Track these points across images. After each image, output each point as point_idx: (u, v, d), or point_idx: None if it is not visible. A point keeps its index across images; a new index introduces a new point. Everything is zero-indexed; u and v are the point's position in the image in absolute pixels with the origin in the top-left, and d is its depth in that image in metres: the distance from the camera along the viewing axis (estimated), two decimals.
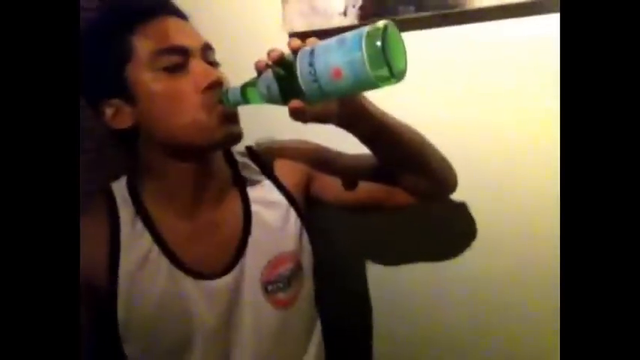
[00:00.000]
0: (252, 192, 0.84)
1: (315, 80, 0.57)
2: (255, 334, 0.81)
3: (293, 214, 0.85)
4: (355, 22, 0.94)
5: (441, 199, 0.90)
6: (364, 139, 0.75)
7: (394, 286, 1.09)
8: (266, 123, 0.94)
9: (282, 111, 0.62)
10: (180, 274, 0.77)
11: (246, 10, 1.05)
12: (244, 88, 0.66)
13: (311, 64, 0.57)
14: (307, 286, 0.87)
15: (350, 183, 0.85)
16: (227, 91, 0.69)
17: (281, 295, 0.82)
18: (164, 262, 0.76)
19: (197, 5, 0.81)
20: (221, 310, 0.79)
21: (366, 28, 0.55)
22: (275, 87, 0.61)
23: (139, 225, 0.77)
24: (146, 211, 0.78)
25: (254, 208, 0.83)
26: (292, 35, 0.96)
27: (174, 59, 0.71)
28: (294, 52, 0.60)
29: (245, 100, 0.67)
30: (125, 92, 0.72)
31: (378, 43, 0.53)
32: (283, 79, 0.60)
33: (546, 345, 0.94)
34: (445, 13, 0.89)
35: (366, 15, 0.93)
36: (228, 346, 0.80)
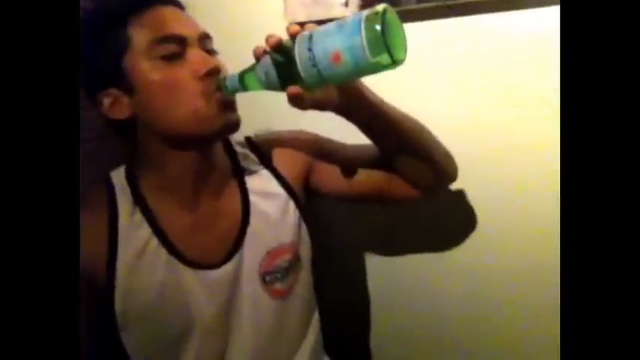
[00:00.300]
0: (251, 183, 0.83)
1: (314, 65, 0.56)
2: (252, 323, 0.81)
3: (292, 205, 0.84)
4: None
5: (441, 189, 0.89)
6: (363, 127, 0.74)
7: (393, 278, 1.08)
8: (265, 114, 0.93)
9: (281, 101, 0.62)
10: (178, 265, 0.76)
11: (248, 0, 1.04)
12: (242, 74, 0.65)
13: (310, 49, 0.56)
14: (305, 277, 0.86)
15: (349, 171, 0.84)
16: (225, 78, 0.68)
17: (278, 286, 0.82)
18: (163, 253, 0.76)
19: None
20: (219, 300, 0.78)
21: (364, 12, 0.54)
22: (273, 73, 0.60)
23: (138, 215, 0.76)
24: (145, 202, 0.77)
25: (253, 199, 0.82)
26: None
27: (172, 48, 0.70)
28: (293, 37, 0.59)
29: (243, 86, 0.66)
30: (123, 82, 0.71)
31: (378, 27, 0.52)
32: (281, 65, 0.59)
33: (546, 338, 0.94)
34: (447, 5, 0.88)
35: (368, 5, 0.91)
36: (226, 335, 0.80)
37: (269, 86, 0.63)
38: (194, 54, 0.71)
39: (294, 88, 0.60)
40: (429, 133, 0.79)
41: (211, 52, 0.75)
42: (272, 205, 0.83)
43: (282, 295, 0.83)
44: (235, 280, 0.79)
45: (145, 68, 0.70)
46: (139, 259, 0.75)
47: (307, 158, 0.86)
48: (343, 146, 0.88)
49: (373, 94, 0.70)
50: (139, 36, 0.70)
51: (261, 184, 0.83)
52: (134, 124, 0.74)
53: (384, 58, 0.53)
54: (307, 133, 0.89)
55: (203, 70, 0.69)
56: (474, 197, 0.98)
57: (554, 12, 0.83)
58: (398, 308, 1.09)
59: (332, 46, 0.54)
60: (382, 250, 1.10)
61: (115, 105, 0.72)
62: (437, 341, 1.07)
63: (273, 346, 0.83)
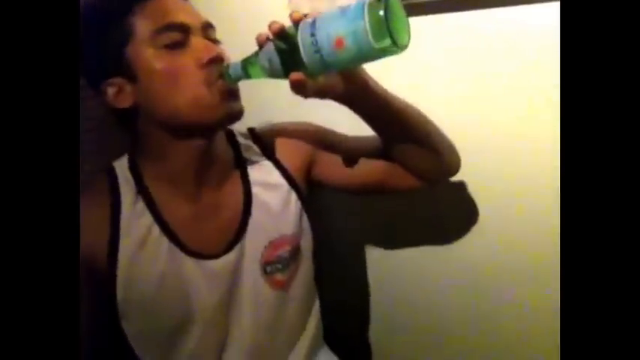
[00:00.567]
0: (254, 174, 0.82)
1: (317, 51, 0.55)
2: (253, 313, 0.80)
3: (294, 196, 0.84)
4: None
5: (444, 180, 0.88)
6: (366, 117, 0.74)
7: (393, 271, 1.08)
8: (267, 105, 0.93)
9: (284, 93, 0.61)
10: (180, 254, 0.76)
11: None
12: (245, 62, 0.65)
13: (313, 35, 0.55)
14: (305, 268, 0.86)
15: (351, 162, 0.83)
16: (228, 66, 0.67)
17: (279, 276, 0.82)
18: (164, 242, 0.75)
19: None
20: (220, 290, 0.78)
21: None
22: (276, 59, 0.60)
23: (140, 205, 0.76)
24: (147, 191, 0.77)
25: (255, 190, 0.82)
26: None
27: (175, 36, 0.69)
28: (296, 24, 0.58)
29: (246, 74, 0.65)
30: (126, 71, 0.70)
31: (381, 12, 0.52)
32: (285, 52, 0.59)
33: (547, 332, 0.93)
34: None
35: None
36: (226, 325, 0.80)
37: (272, 73, 0.62)
38: (197, 42, 0.70)
39: (297, 75, 0.59)
40: (433, 124, 0.78)
41: (214, 42, 0.74)
42: (274, 196, 0.82)
43: (283, 286, 0.82)
44: (236, 270, 0.79)
45: (148, 57, 0.69)
46: (141, 248, 0.74)
47: (310, 149, 0.86)
48: (345, 137, 0.87)
49: (376, 82, 0.70)
50: (143, 25, 0.69)
51: (264, 175, 0.83)
52: (137, 113, 0.73)
53: (387, 43, 0.53)
54: (310, 125, 0.89)
55: (206, 58, 0.69)
56: (474, 191, 0.97)
57: (554, 7, 0.82)
58: (398, 301, 1.09)
59: (335, 32, 0.54)
60: (383, 242, 1.09)
61: (119, 94, 0.72)
62: (436, 334, 1.07)
63: (273, 336, 0.83)
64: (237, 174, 0.82)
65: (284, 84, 0.61)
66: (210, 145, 0.76)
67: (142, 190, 0.77)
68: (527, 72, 0.87)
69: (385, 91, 0.71)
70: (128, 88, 0.71)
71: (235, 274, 0.79)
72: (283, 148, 0.85)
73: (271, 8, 0.97)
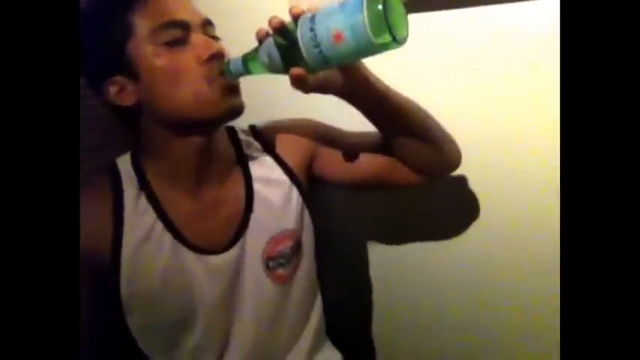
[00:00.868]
0: (255, 170, 0.82)
1: (317, 45, 0.55)
2: (255, 308, 0.80)
3: (295, 192, 0.84)
4: None
5: (445, 175, 0.87)
6: (367, 112, 0.73)
7: (395, 266, 1.07)
8: (268, 102, 0.92)
9: (284, 90, 0.61)
10: (183, 250, 0.76)
11: None
12: (245, 57, 0.65)
13: (312, 29, 0.55)
14: (307, 263, 0.86)
15: (352, 157, 0.83)
16: (229, 62, 0.67)
17: (281, 271, 0.82)
18: (167, 238, 0.75)
19: None
20: (223, 285, 0.78)
21: None
22: (276, 55, 0.60)
23: (143, 201, 0.76)
24: (150, 188, 0.77)
25: (256, 186, 0.81)
26: None
27: (175, 33, 0.69)
28: (295, 19, 0.58)
29: (247, 70, 0.65)
30: (128, 69, 0.70)
31: (379, 6, 0.51)
32: (284, 47, 0.59)
33: (547, 326, 0.92)
34: None
35: None
36: (229, 320, 0.80)
37: (272, 69, 0.62)
38: (197, 39, 0.70)
39: (297, 70, 0.59)
40: (433, 119, 0.78)
41: (214, 38, 0.74)
42: (275, 192, 0.82)
43: (285, 281, 0.82)
44: (238, 265, 0.79)
45: (149, 54, 0.69)
46: (144, 244, 0.74)
47: (311, 145, 0.85)
48: (346, 133, 0.87)
49: (375, 77, 0.69)
50: (143, 23, 0.69)
51: (265, 171, 0.83)
52: (139, 111, 0.73)
53: (386, 37, 0.52)
54: (310, 121, 0.88)
55: (206, 55, 0.69)
56: (475, 188, 0.96)
57: (554, 3, 0.81)
58: (400, 297, 1.08)
59: (334, 26, 0.54)
60: (384, 238, 1.08)
61: (121, 92, 0.72)
62: (439, 330, 1.06)
63: (275, 331, 0.83)
64: (238, 170, 0.82)
65: (284, 81, 0.61)
66: (211, 141, 0.76)
67: (145, 187, 0.76)
68: (527, 68, 0.86)
69: (385, 86, 0.71)
70: (130, 86, 0.71)
71: (237, 269, 0.79)
72: (284, 144, 0.85)
73: (270, 5, 0.96)
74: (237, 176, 0.82)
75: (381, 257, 1.09)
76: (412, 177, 0.82)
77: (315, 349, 0.88)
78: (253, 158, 0.83)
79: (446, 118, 0.79)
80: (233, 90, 0.71)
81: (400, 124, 0.75)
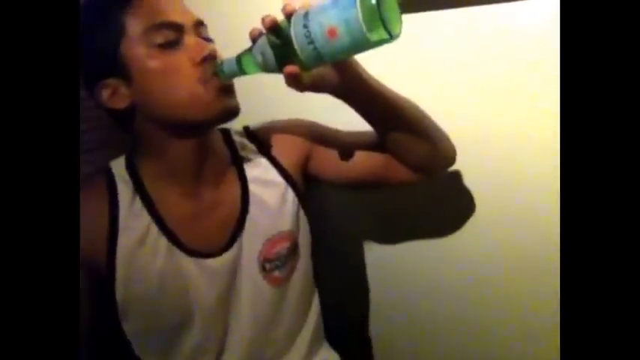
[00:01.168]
0: (250, 172, 0.81)
1: (311, 42, 0.54)
2: (252, 311, 0.80)
3: (291, 193, 0.83)
4: None
5: (440, 172, 0.87)
6: (362, 110, 0.72)
7: (392, 266, 1.06)
8: (263, 104, 0.91)
9: (279, 91, 0.60)
10: (179, 253, 0.75)
11: None
12: (239, 57, 0.64)
13: (305, 26, 0.54)
14: (303, 264, 0.84)
15: (347, 156, 0.82)
16: (222, 62, 0.66)
17: (277, 273, 0.81)
18: (163, 241, 0.74)
19: None
20: (219, 287, 0.77)
21: None
22: (270, 53, 0.59)
23: (138, 204, 0.75)
24: (145, 190, 0.76)
25: (252, 187, 0.80)
26: None
27: (168, 35, 0.68)
28: (288, 16, 0.57)
29: (240, 69, 0.64)
30: (120, 71, 0.69)
31: (373, 0, 0.51)
32: (278, 45, 0.58)
33: (546, 327, 0.91)
34: None
35: None
36: (226, 323, 0.79)
37: (266, 68, 0.61)
38: (190, 41, 0.69)
39: (291, 68, 0.58)
40: (427, 116, 0.77)
41: (207, 40, 0.73)
42: (271, 194, 0.81)
43: (281, 283, 0.81)
44: (235, 268, 0.78)
45: (142, 56, 0.68)
46: (139, 247, 0.73)
47: (305, 144, 0.84)
48: (341, 133, 0.86)
49: (370, 75, 0.69)
50: (134, 24, 0.68)
51: (260, 172, 0.82)
52: (133, 113, 0.72)
53: (380, 32, 0.52)
54: (305, 121, 0.87)
55: (200, 56, 0.68)
56: (473, 187, 0.95)
57: (554, 2, 0.80)
58: (397, 297, 1.07)
59: (327, 21, 0.53)
60: (381, 238, 1.07)
61: (114, 95, 0.71)
62: (436, 330, 1.05)
63: (272, 333, 0.82)
64: (233, 172, 0.81)
65: (279, 82, 0.60)
66: (206, 142, 0.75)
67: (140, 190, 0.75)
68: (527, 67, 0.85)
69: (379, 83, 0.70)
70: (123, 88, 0.70)
71: (234, 271, 0.78)
72: (279, 144, 0.84)
73: (263, 5, 0.96)
74: (233, 178, 0.80)
75: (378, 257, 1.08)
76: (408, 175, 0.81)
77: (312, 350, 0.87)
78: (248, 160, 0.82)
79: (445, 117, 0.78)
80: (228, 91, 0.70)
81: (395, 122, 0.74)
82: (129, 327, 0.75)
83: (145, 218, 0.74)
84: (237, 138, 0.84)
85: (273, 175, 0.82)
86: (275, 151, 0.84)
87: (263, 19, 0.59)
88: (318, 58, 0.56)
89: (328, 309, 0.91)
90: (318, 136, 0.85)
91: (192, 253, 0.75)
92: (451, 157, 0.82)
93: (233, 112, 0.71)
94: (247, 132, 0.86)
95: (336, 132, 0.86)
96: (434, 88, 0.91)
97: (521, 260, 0.93)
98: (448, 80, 0.91)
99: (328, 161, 0.84)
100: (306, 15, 0.55)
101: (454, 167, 0.92)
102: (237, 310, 0.79)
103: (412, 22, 0.86)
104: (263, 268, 0.79)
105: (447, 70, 0.91)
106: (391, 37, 0.53)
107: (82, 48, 0.66)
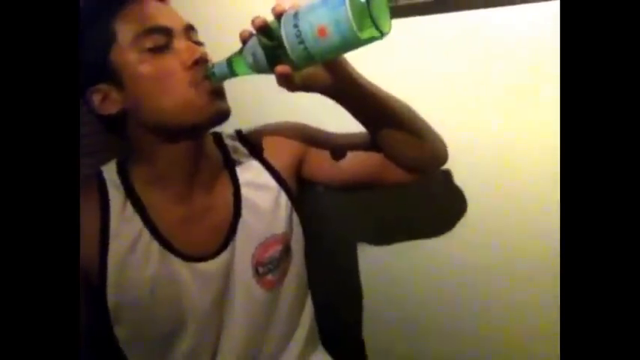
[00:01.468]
0: (243, 175, 0.80)
1: (301, 42, 0.54)
2: (245, 314, 0.79)
3: (283, 196, 0.81)
4: None
5: (433, 171, 0.86)
6: (352, 109, 0.72)
7: (385, 268, 1.05)
8: (254, 107, 0.91)
9: (271, 94, 0.59)
10: (171, 257, 0.74)
11: None
12: (230, 59, 0.63)
13: (296, 26, 0.54)
14: (296, 267, 0.83)
15: (339, 157, 0.81)
16: (213, 65, 0.65)
17: (270, 277, 0.80)
18: (155, 246, 0.73)
19: None
20: (213, 292, 0.76)
21: None
22: (261, 54, 0.58)
23: (130, 209, 0.74)
24: (136, 195, 0.74)
25: (244, 191, 0.79)
26: None
27: (158, 39, 0.67)
28: (278, 17, 0.57)
29: (232, 71, 0.63)
30: (111, 77, 0.68)
31: None
32: (269, 45, 0.57)
33: (541, 327, 0.91)
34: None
35: None
36: (219, 327, 0.78)
37: (257, 69, 0.60)
38: (180, 45, 0.69)
39: (282, 67, 0.57)
40: (417, 114, 0.76)
41: (197, 44, 0.72)
42: (263, 197, 0.80)
43: (274, 286, 0.80)
44: (228, 272, 0.77)
45: (133, 61, 0.67)
46: (131, 252, 0.72)
47: (298, 147, 0.83)
48: (333, 135, 0.85)
49: (360, 75, 0.68)
50: (124, 30, 0.67)
51: (253, 176, 0.81)
52: (124, 119, 0.71)
53: (370, 29, 0.51)
54: (297, 123, 0.86)
55: (190, 60, 0.67)
56: (469, 188, 0.94)
57: (554, 6, 0.78)
58: (390, 298, 1.06)
59: (317, 20, 0.52)
60: (374, 240, 1.06)
61: (104, 100, 0.70)
62: (430, 331, 1.04)
63: (265, 336, 0.81)
64: (226, 176, 0.80)
65: (271, 84, 0.60)
66: (198, 147, 0.74)
67: (131, 195, 0.74)
68: (526, 72, 0.83)
69: (370, 83, 0.69)
70: (113, 93, 0.69)
71: (227, 275, 0.77)
72: (271, 147, 0.83)
73: (252, 8, 0.95)
74: (225, 182, 0.79)
75: (372, 259, 1.07)
76: (401, 175, 0.80)
77: (306, 352, 0.86)
78: (240, 163, 0.81)
79: (445, 120, 0.77)
80: (219, 94, 0.69)
81: (387, 121, 0.73)
82: (121, 332, 0.74)
83: (137, 223, 0.73)
84: (229, 141, 0.83)
85: (266, 178, 0.81)
86: (267, 154, 0.82)
87: (253, 21, 0.58)
88: (309, 58, 0.55)
89: (322, 311, 0.90)
90: (311, 138, 0.84)
91: (184, 257, 0.74)
92: (443, 156, 0.81)
93: (224, 115, 0.70)
94: (239, 135, 0.85)
95: (329, 134, 0.85)
96: (433, 91, 0.90)
97: (516, 262, 0.92)
98: (448, 84, 0.90)
99: (321, 163, 0.83)
100: (296, 15, 0.54)
101: (450, 170, 0.93)
102: (231, 313, 0.78)
103: (411, 26, 0.86)
104: (256, 272, 0.78)
105: (446, 74, 0.90)
106: (382, 34, 0.52)
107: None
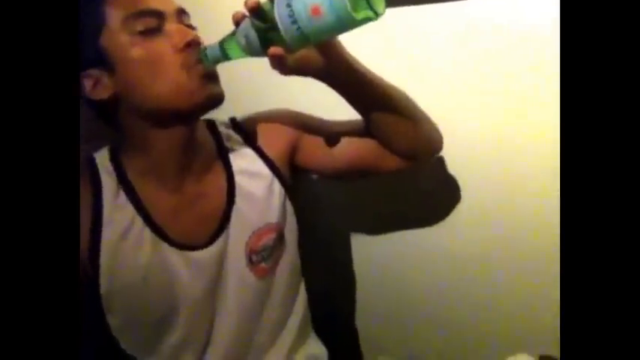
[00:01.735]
0: (236, 163, 0.79)
1: (294, 22, 0.52)
2: (238, 303, 0.78)
3: (277, 184, 0.80)
4: None
5: (427, 158, 0.84)
6: (346, 93, 0.70)
7: (378, 256, 1.04)
8: (249, 95, 0.89)
9: (265, 81, 0.57)
10: (164, 245, 0.73)
11: None
12: (223, 42, 0.61)
13: (289, 5, 0.52)
14: (289, 256, 0.82)
15: (334, 144, 0.80)
16: (206, 48, 0.64)
17: (263, 265, 0.78)
18: (148, 234, 0.72)
19: None
20: (206, 280, 0.75)
21: None
22: (254, 35, 0.56)
23: (122, 196, 0.72)
24: (129, 183, 0.73)
25: (238, 179, 0.78)
26: None
27: (149, 22, 0.66)
28: None
29: (224, 54, 0.62)
30: (102, 62, 0.67)
31: None
32: (262, 27, 0.55)
33: (538, 318, 0.90)
34: None
35: None
36: (211, 315, 0.77)
37: (250, 51, 0.59)
38: (172, 28, 0.67)
39: (275, 49, 0.56)
40: (412, 101, 0.75)
41: (189, 27, 0.71)
42: (257, 185, 0.79)
43: (267, 274, 0.79)
44: (221, 260, 0.76)
45: (124, 45, 0.66)
46: (123, 240, 0.71)
47: (292, 133, 0.82)
48: (328, 122, 0.84)
49: (354, 58, 0.67)
50: (115, 14, 0.66)
51: (246, 164, 0.79)
52: (116, 105, 0.70)
53: (364, 10, 0.50)
54: (291, 111, 0.85)
55: (182, 42, 0.66)
56: (463, 181, 0.93)
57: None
58: (384, 287, 1.05)
59: (311, 0, 0.51)
60: (368, 228, 1.05)
61: (96, 86, 0.68)
62: (423, 319, 1.03)
63: (258, 324, 0.80)
64: (219, 164, 0.78)
65: (268, 72, 0.58)
66: (191, 133, 0.73)
67: (124, 182, 0.73)
68: (527, 64, 0.82)
69: (364, 67, 0.68)
70: (105, 79, 0.68)
71: (220, 264, 0.76)
72: (265, 134, 0.81)
73: None
74: (219, 169, 0.78)
75: (365, 248, 1.06)
76: (395, 162, 0.79)
77: (299, 340, 0.85)
78: (234, 151, 0.80)
79: (444, 115, 0.76)
80: (212, 78, 0.68)
81: (381, 107, 0.72)
82: (113, 320, 0.73)
83: (130, 211, 0.72)
84: (222, 129, 0.81)
85: (260, 166, 0.80)
86: (261, 142, 0.81)
87: (246, 2, 0.56)
88: (303, 39, 0.54)
89: (315, 300, 0.89)
90: (305, 125, 0.82)
91: (178, 245, 0.73)
92: (438, 143, 0.80)
93: (218, 100, 0.69)
94: (233, 123, 0.83)
95: (323, 121, 0.84)
96: (431, 82, 0.89)
97: (511, 252, 0.91)
98: (446, 75, 0.88)
99: (315, 151, 0.81)
100: None
101: (447, 160, 0.91)
102: (224, 302, 0.77)
103: (411, 15, 0.84)
104: (250, 261, 0.77)
105: (445, 65, 0.88)
106: (376, 15, 0.51)
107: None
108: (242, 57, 0.61)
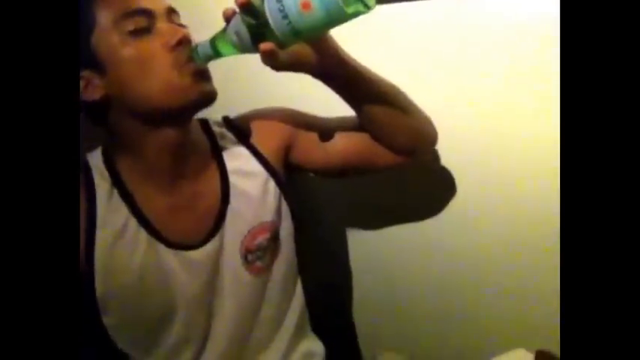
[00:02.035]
0: (230, 162, 0.77)
1: (285, 16, 0.51)
2: (234, 302, 0.76)
3: (272, 183, 0.79)
4: None
5: (422, 154, 0.83)
6: (339, 89, 0.69)
7: (375, 252, 1.03)
8: (241, 93, 0.87)
9: (258, 79, 0.56)
10: (159, 246, 0.72)
11: None
12: (214, 39, 0.60)
13: (279, 0, 0.51)
14: (285, 254, 0.81)
15: (328, 140, 0.78)
16: (197, 46, 0.63)
17: (259, 264, 0.77)
18: (142, 234, 0.71)
19: None
20: (201, 280, 0.74)
21: None
22: (245, 32, 0.55)
23: (116, 197, 0.71)
24: (123, 183, 0.72)
25: (232, 178, 0.77)
26: None
27: (140, 21, 0.65)
28: None
29: (216, 52, 0.60)
30: (93, 62, 0.66)
31: None
32: (252, 23, 0.54)
33: (534, 311, 0.89)
34: None
35: None
36: (208, 314, 0.76)
37: (242, 48, 0.57)
38: (162, 27, 0.66)
39: (266, 45, 0.55)
40: (406, 96, 0.74)
41: (180, 26, 0.69)
42: (252, 184, 0.77)
43: (263, 272, 0.78)
44: (216, 259, 0.75)
45: (114, 45, 0.65)
46: (118, 240, 0.70)
47: (287, 130, 0.80)
48: (322, 119, 0.82)
49: (348, 54, 0.66)
50: (105, 14, 0.65)
51: (240, 163, 0.78)
52: (108, 106, 0.69)
53: (354, 2, 0.49)
54: (285, 109, 0.83)
55: (173, 41, 0.65)
56: (460, 175, 0.92)
57: None
58: (381, 282, 1.04)
59: None
60: (364, 225, 1.04)
61: (87, 87, 0.67)
62: (420, 314, 1.02)
63: (255, 322, 0.79)
64: (213, 163, 0.77)
65: (261, 70, 0.57)
66: (184, 133, 0.71)
67: (118, 183, 0.72)
68: (526, 59, 0.80)
69: (358, 63, 0.67)
70: (96, 79, 0.67)
71: (216, 263, 0.75)
72: (259, 133, 0.80)
73: None
74: (213, 169, 0.77)
75: (361, 244, 1.05)
76: (391, 158, 0.77)
77: (296, 338, 0.84)
78: (228, 150, 0.78)
79: (442, 111, 0.75)
80: (203, 75, 0.67)
81: (375, 102, 0.71)
82: (110, 321, 0.72)
83: (124, 212, 0.71)
84: (216, 128, 0.80)
85: (254, 165, 0.78)
86: (255, 140, 0.80)
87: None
88: (294, 34, 0.53)
89: (312, 296, 0.88)
90: (299, 123, 0.81)
91: (173, 245, 0.72)
92: (432, 138, 0.79)
93: (210, 97, 0.68)
94: (226, 122, 0.82)
95: (317, 119, 0.82)
96: (427, 77, 0.87)
97: (509, 246, 0.90)
98: (442, 70, 0.87)
99: (310, 149, 0.80)
100: None
101: (443, 155, 0.90)
102: (220, 301, 0.76)
103: (406, 10, 0.83)
104: (245, 260, 0.76)
105: (440, 60, 0.87)
106: (367, 8, 0.50)
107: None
108: (233, 54, 0.60)
